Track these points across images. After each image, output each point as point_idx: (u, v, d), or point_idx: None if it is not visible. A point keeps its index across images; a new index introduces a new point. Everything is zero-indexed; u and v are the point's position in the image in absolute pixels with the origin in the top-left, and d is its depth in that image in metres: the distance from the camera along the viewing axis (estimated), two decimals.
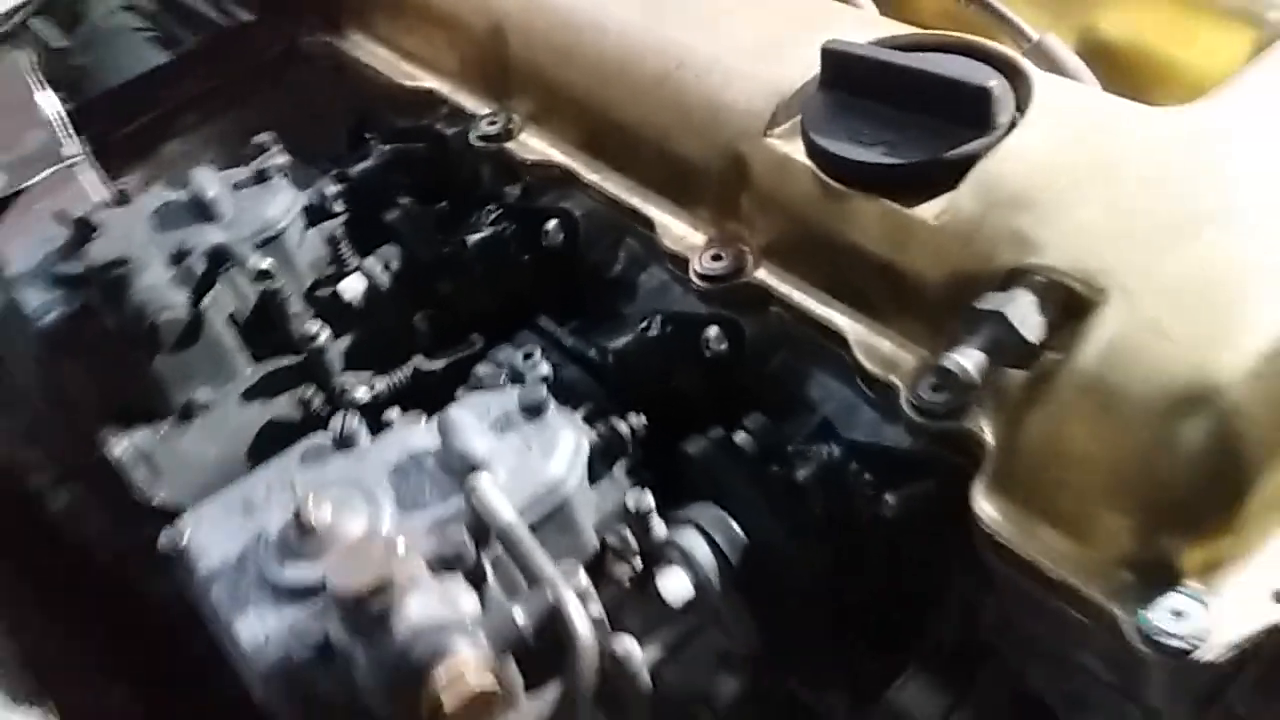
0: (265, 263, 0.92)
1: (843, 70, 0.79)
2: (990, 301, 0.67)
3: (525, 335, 0.93)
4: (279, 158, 1.07)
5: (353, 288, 0.99)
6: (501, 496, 0.70)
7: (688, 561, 0.73)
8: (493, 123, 1.05)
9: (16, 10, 1.31)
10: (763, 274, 0.86)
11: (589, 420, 0.80)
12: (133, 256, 0.92)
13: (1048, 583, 0.66)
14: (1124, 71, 0.86)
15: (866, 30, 0.85)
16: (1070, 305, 0.66)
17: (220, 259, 0.91)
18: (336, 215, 1.05)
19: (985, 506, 0.68)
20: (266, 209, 1.00)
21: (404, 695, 0.62)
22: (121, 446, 0.92)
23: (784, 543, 0.75)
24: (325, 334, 0.96)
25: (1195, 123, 0.72)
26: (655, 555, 0.74)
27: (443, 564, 0.68)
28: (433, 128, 1.13)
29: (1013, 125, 0.74)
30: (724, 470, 0.78)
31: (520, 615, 0.64)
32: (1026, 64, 0.78)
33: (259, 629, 0.67)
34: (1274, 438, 0.61)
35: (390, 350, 0.99)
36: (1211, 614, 0.61)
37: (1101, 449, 0.63)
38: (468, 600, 0.66)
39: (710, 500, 0.77)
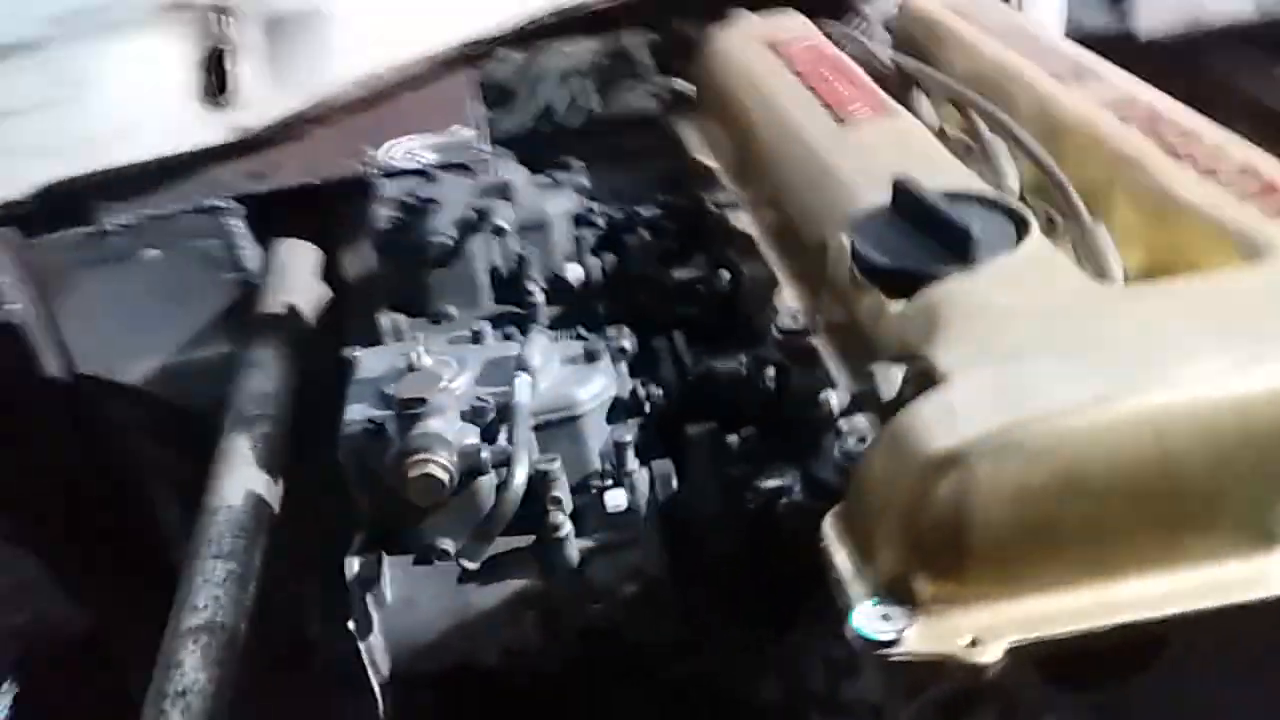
0: (503, 222, 1.29)
1: (899, 197, 1.02)
2: (877, 365, 0.88)
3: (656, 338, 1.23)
4: (580, 177, 1.46)
5: (573, 271, 1.34)
6: (526, 390, 1.01)
7: (630, 487, 0.99)
8: (723, 198, 1.37)
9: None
10: (817, 338, 1.10)
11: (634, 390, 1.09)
12: (442, 200, 1.34)
13: (836, 586, 0.85)
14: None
15: (960, 183, 1.07)
16: (927, 384, 0.86)
17: (483, 215, 1.30)
18: (595, 225, 1.41)
19: (827, 523, 0.89)
20: (545, 204, 1.39)
21: (396, 466, 0.95)
22: (385, 320, 1.32)
23: (708, 510, 0.99)
24: (540, 297, 1.32)
25: (1110, 297, 0.88)
26: (619, 480, 1.02)
27: (471, 416, 1.00)
28: (698, 194, 1.47)
29: None
30: (698, 448, 1.03)
31: (485, 452, 0.95)
32: (1034, 229, 0.97)
33: (356, 414, 1.03)
34: (1001, 518, 0.78)
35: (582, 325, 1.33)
36: (912, 631, 0.78)
37: (886, 485, 0.82)
38: (470, 438, 0.98)
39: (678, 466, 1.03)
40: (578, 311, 1.34)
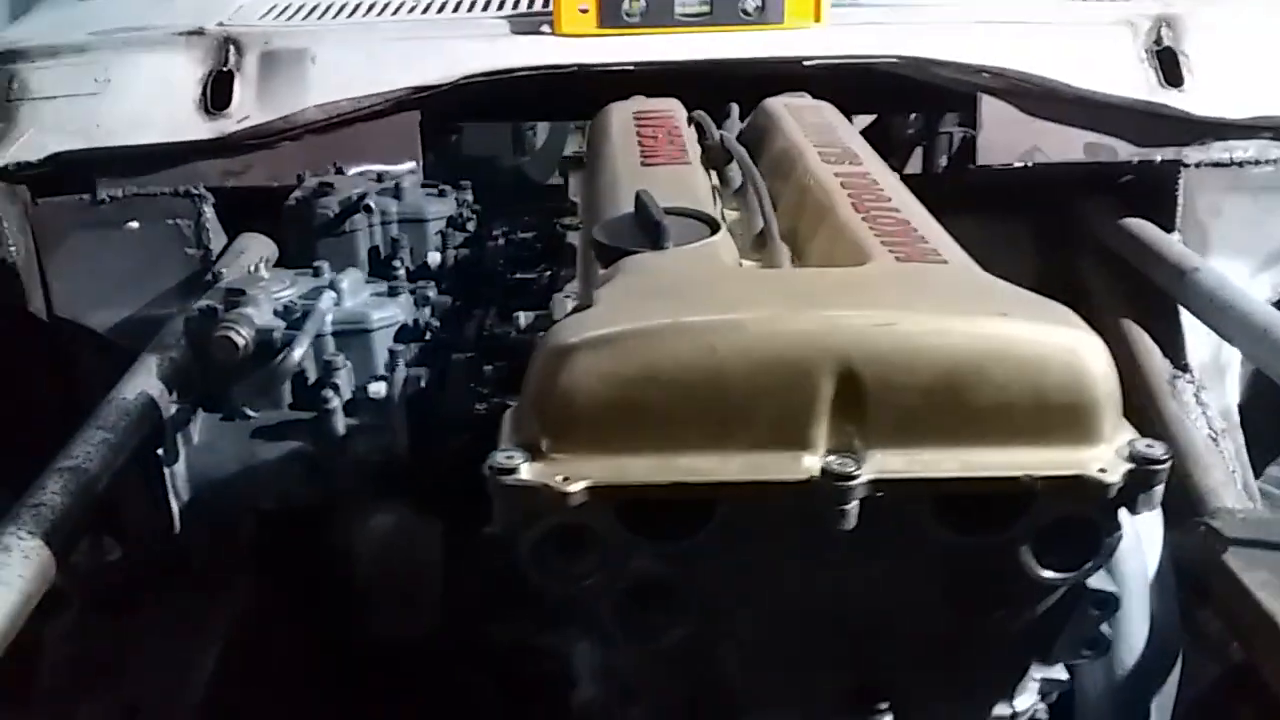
0: (370, 203, 1.62)
1: (637, 205, 1.33)
2: (555, 297, 1.19)
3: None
4: (466, 194, 1.80)
5: (433, 258, 1.67)
6: (328, 300, 1.33)
7: (391, 383, 1.30)
8: (569, 221, 1.70)
9: None
10: None
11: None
12: (339, 188, 1.68)
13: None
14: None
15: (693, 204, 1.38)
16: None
17: (363, 198, 1.64)
18: (464, 229, 1.74)
19: (508, 411, 1.18)
20: (426, 205, 1.73)
21: (210, 333, 1.26)
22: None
23: (449, 410, 1.29)
24: (402, 273, 1.64)
25: (739, 274, 1.18)
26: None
27: (282, 313, 1.32)
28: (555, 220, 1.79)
29: None
30: (458, 368, 1.33)
31: (278, 332, 1.27)
32: (719, 234, 1.27)
33: (201, 303, 1.35)
34: (597, 395, 1.05)
35: None
36: (526, 466, 1.05)
37: (530, 370, 1.10)
38: (276, 326, 1.29)
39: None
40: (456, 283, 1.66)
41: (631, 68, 2.03)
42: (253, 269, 1.35)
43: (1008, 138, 2.10)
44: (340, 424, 1.29)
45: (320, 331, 1.30)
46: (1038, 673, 1.32)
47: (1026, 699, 1.29)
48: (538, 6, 2.12)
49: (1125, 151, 2.12)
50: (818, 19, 2.08)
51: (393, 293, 1.39)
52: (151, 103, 2.09)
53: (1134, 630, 1.62)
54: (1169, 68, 2.14)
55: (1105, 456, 1.07)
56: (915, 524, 1.09)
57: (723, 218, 1.48)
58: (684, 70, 2.03)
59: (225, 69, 2.10)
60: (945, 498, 1.07)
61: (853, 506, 1.04)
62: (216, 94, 2.09)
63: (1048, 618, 1.19)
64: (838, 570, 1.14)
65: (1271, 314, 1.78)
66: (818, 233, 1.39)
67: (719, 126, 1.84)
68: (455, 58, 2.04)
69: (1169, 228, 2.16)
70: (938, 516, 1.09)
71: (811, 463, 1.05)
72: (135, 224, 2.09)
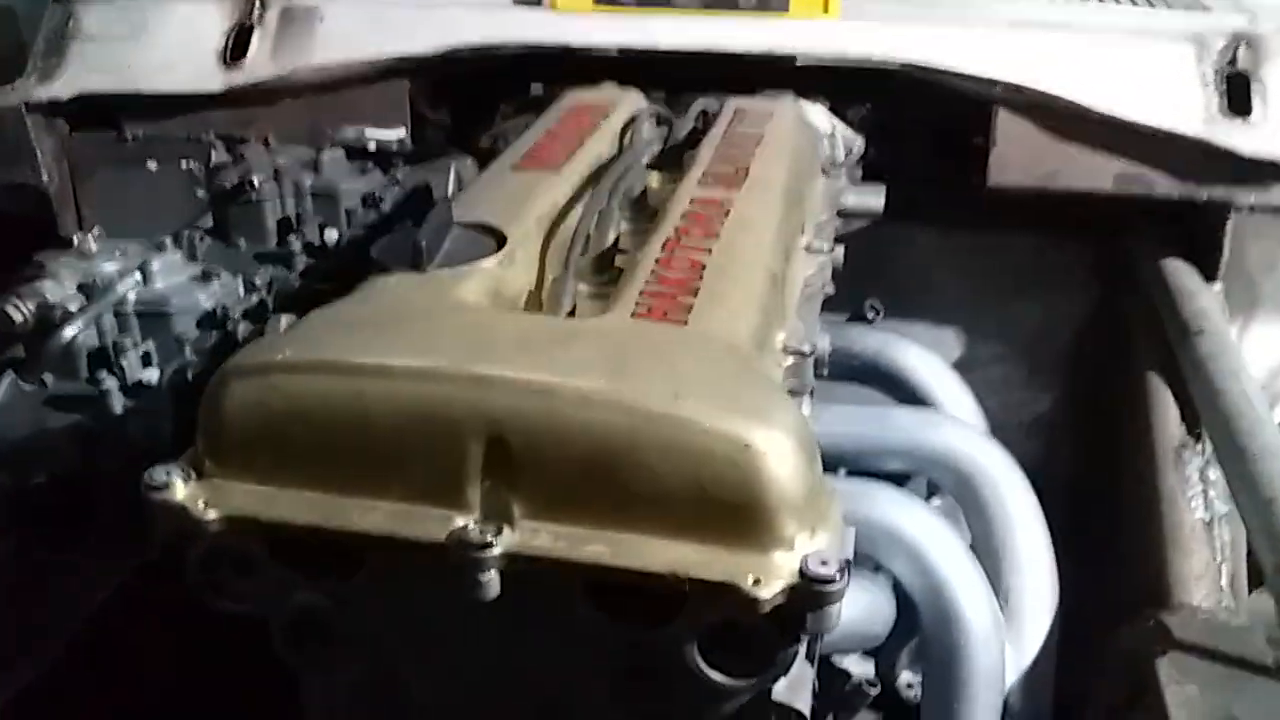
0: (255, 180, 1.63)
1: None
2: (272, 317, 1.16)
3: None
4: (377, 175, 1.79)
5: (330, 234, 1.66)
6: (128, 283, 1.35)
7: (162, 370, 1.31)
8: None
9: None
10: None
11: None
12: (247, 161, 1.70)
13: None
14: None
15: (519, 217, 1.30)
16: None
17: (278, 175, 1.65)
18: (378, 208, 1.73)
19: None
20: (342, 180, 1.72)
21: None
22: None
23: None
24: (297, 246, 1.64)
25: (450, 312, 1.10)
26: None
27: (85, 289, 1.35)
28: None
29: None
30: None
31: (59, 311, 1.30)
32: (492, 259, 1.20)
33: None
34: (250, 423, 1.01)
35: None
36: (180, 486, 1.04)
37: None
38: (64, 302, 1.33)
39: None
40: (323, 264, 1.66)
41: (615, 53, 1.94)
42: (83, 240, 1.39)
43: (1024, 157, 1.89)
44: (116, 404, 1.32)
45: (121, 310, 1.32)
46: None
47: None
48: None
49: (1164, 186, 1.86)
50: (827, 10, 1.92)
51: (206, 278, 1.40)
52: (177, 50, 2.17)
53: None
54: (1237, 94, 1.85)
55: (771, 565, 0.96)
56: (569, 605, 1.01)
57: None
58: (668, 57, 1.93)
59: (248, 23, 2.15)
60: (597, 582, 0.99)
61: (490, 577, 0.97)
62: (236, 46, 2.15)
63: None
64: (500, 639, 1.08)
65: (1243, 402, 1.54)
66: (629, 265, 1.30)
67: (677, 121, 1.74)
68: (447, 29, 2.01)
69: (1211, 277, 1.89)
70: (591, 601, 1.01)
71: (458, 525, 0.99)
72: (153, 164, 2.19)
